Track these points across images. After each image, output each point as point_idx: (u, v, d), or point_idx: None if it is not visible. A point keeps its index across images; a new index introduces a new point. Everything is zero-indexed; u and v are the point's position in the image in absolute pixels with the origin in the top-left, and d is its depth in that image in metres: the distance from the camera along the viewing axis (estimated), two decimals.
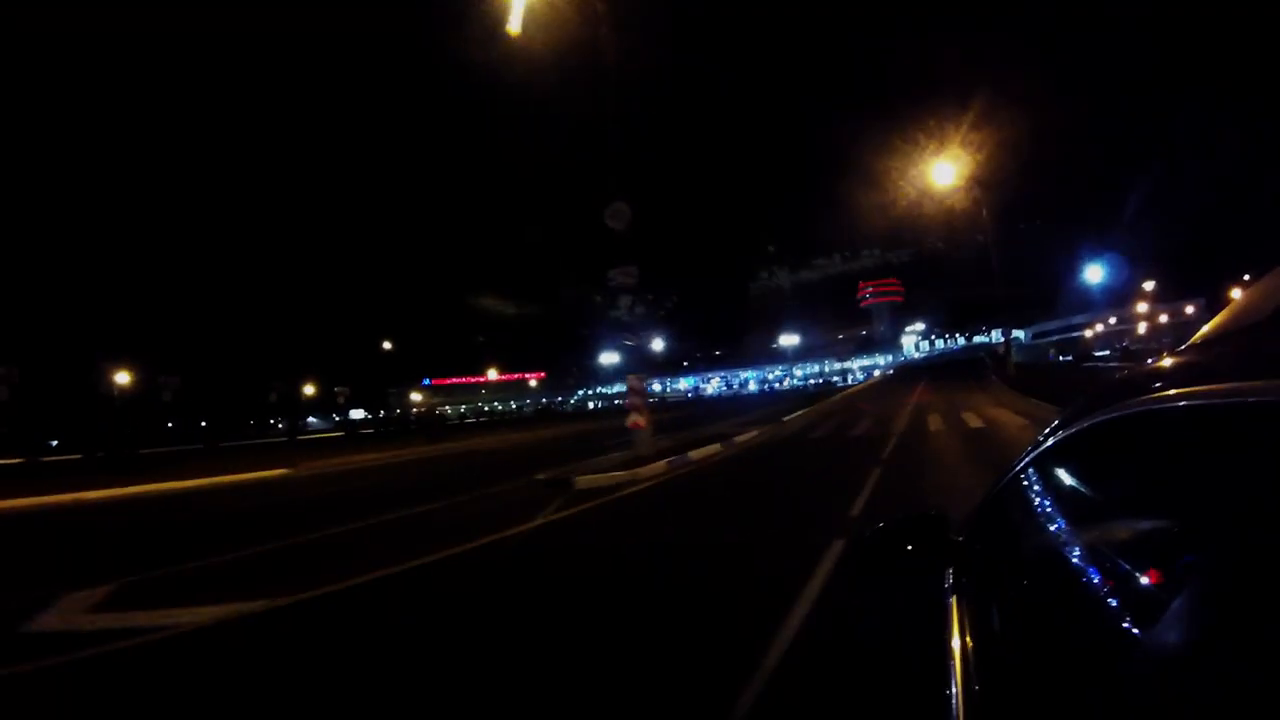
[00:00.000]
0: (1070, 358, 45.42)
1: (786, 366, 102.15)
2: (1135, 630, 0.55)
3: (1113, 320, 62.05)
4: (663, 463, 10.50)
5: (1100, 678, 0.58)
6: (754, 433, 15.29)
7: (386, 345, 79.86)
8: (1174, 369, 0.83)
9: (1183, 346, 0.93)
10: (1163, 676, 0.48)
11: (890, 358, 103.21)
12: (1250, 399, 0.55)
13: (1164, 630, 0.51)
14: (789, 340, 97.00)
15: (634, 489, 8.93)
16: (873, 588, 2.82)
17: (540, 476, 9.80)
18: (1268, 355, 0.69)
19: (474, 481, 10.71)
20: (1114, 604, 0.62)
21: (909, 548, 1.25)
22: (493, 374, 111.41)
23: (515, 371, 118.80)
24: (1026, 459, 1.13)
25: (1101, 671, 0.58)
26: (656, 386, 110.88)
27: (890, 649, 2.50)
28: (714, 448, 12.66)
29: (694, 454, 11.68)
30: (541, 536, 6.34)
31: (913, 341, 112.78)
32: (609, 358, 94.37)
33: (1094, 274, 60.10)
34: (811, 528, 5.48)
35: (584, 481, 9.42)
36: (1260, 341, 0.73)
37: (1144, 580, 0.60)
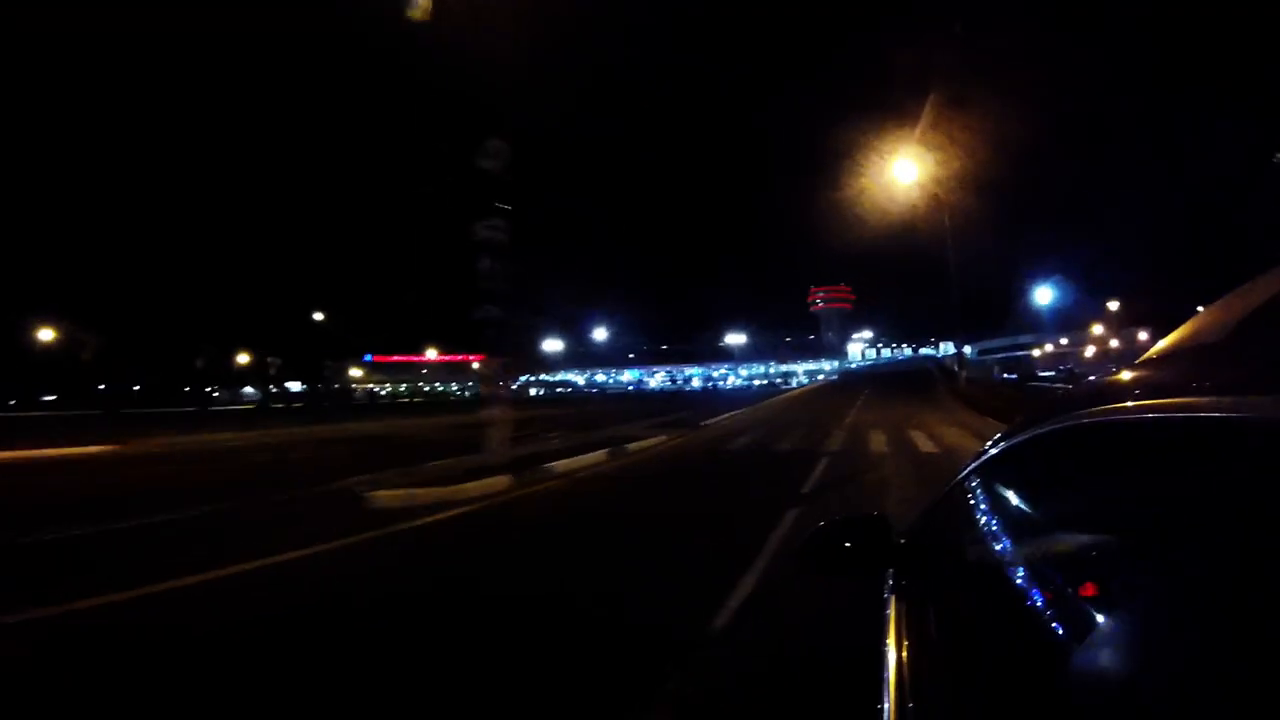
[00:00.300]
0: (1014, 376, 44.09)
1: (733, 365, 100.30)
2: (1069, 644, 0.55)
3: (1064, 341, 62.16)
4: (504, 478, 7.60)
5: (1033, 692, 0.57)
6: (662, 438, 12.59)
7: (318, 316, 75.45)
8: (1120, 385, 0.84)
9: (1135, 363, 0.92)
10: (1096, 693, 0.48)
11: (836, 363, 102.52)
12: (1194, 415, 0.55)
13: (1097, 645, 0.51)
14: (735, 339, 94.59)
15: (434, 517, 6.20)
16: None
17: (351, 481, 7.69)
18: (1220, 374, 0.67)
19: (294, 479, 8.82)
20: (1050, 616, 0.62)
21: (851, 547, 1.24)
22: (432, 353, 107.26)
23: (459, 352, 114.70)
24: (972, 466, 1.17)
25: (1034, 685, 0.57)
26: (600, 377, 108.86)
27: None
28: (597, 456, 9.82)
29: (561, 465, 8.80)
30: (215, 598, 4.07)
31: (859, 349, 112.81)
32: (551, 344, 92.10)
33: (1043, 295, 60.39)
34: (628, 657, 2.83)
35: (385, 498, 6.84)
36: (1214, 361, 0.72)
37: (1080, 593, 0.60)
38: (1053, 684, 0.53)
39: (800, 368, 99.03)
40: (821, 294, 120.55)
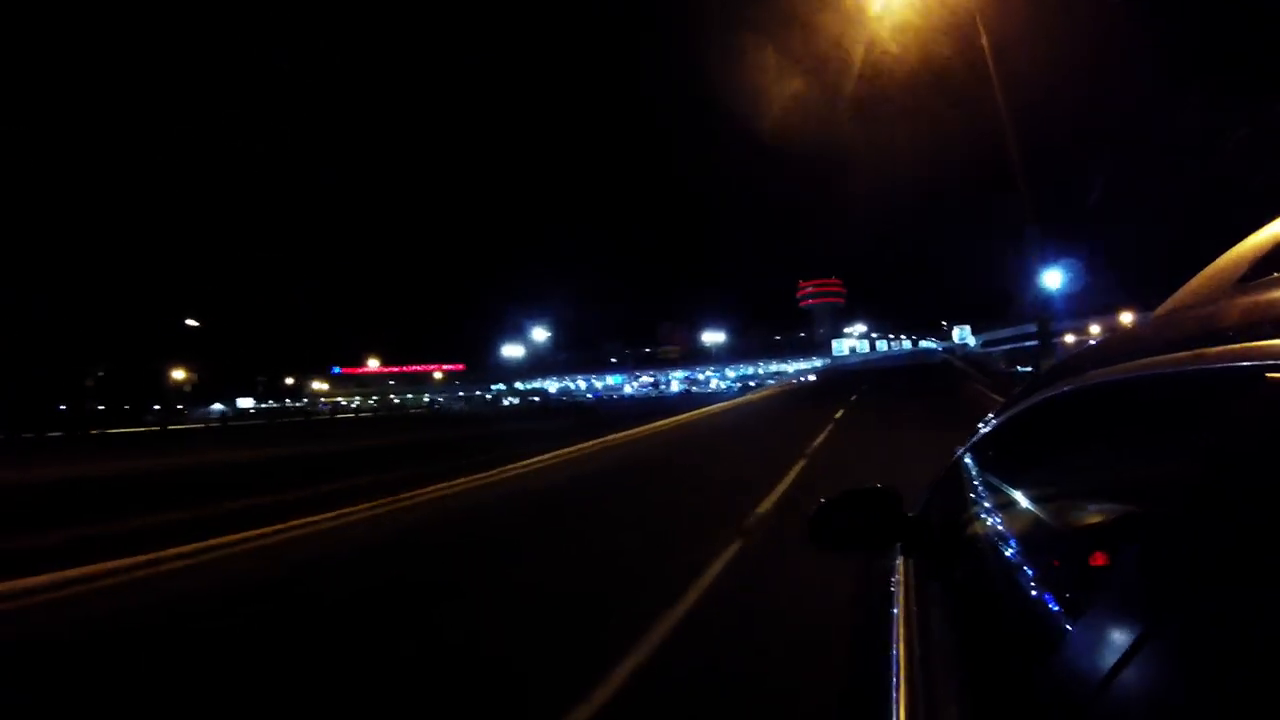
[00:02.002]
0: (1030, 369, 37.31)
1: (719, 367, 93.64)
2: (1068, 622, 0.54)
3: (1095, 329, 55.63)
4: None
5: (1039, 663, 0.56)
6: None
7: (191, 323, 69.18)
8: (1125, 343, 0.81)
9: (1139, 321, 0.89)
10: (1090, 669, 0.47)
11: (820, 361, 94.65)
12: (1203, 368, 0.53)
13: (1095, 620, 0.50)
14: (713, 339, 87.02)
15: None
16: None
17: None
18: (1226, 325, 0.63)
19: None
20: (1057, 588, 0.62)
21: (860, 522, 1.20)
22: (379, 365, 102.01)
23: (429, 362, 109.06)
24: (978, 436, 1.18)
25: (1040, 657, 0.56)
26: (582, 384, 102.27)
27: None
28: None
29: None
30: None
31: (849, 344, 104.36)
32: (512, 350, 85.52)
33: (1052, 279, 53.45)
34: None
35: None
36: (1220, 313, 0.68)
37: (1090, 563, 0.61)
38: (1058, 655, 0.52)
39: (791, 366, 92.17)
40: (811, 288, 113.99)
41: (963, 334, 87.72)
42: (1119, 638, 0.46)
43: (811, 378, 60.72)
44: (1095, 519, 0.67)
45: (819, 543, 1.20)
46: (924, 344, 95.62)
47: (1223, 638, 0.38)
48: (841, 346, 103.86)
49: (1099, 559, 0.58)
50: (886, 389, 29.39)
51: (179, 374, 69.75)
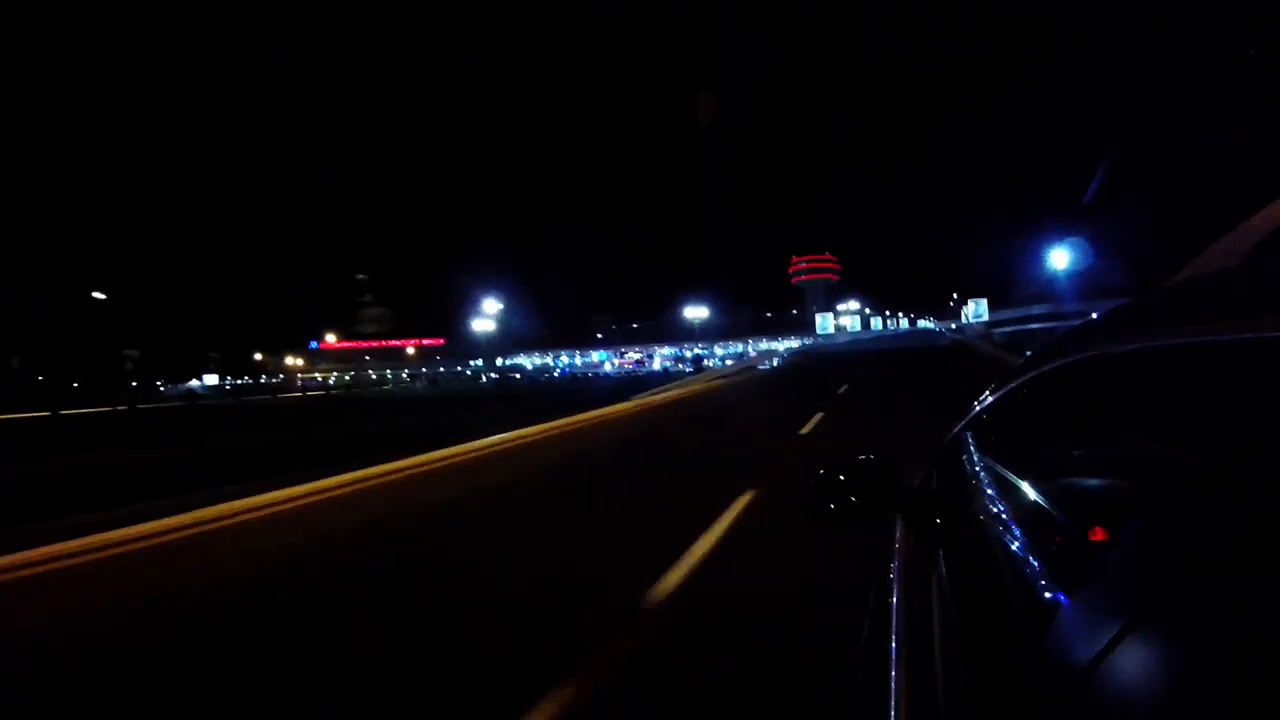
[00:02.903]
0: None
1: (707, 344, 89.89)
2: (1063, 598, 0.54)
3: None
4: None
5: (1035, 638, 0.55)
6: None
7: (98, 295, 66.13)
8: (1132, 316, 0.80)
9: (1150, 294, 0.85)
10: (1085, 642, 0.47)
11: (796, 341, 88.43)
12: (1171, 343, 0.55)
13: (1092, 594, 0.51)
14: (696, 314, 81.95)
15: None
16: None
17: None
18: (1237, 298, 0.63)
19: None
20: (1055, 564, 0.62)
21: (858, 494, 1.18)
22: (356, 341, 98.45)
23: (409, 337, 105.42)
24: (980, 407, 1.14)
25: (1037, 633, 0.55)
26: (564, 359, 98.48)
27: None
28: None
29: None
30: None
31: (836, 320, 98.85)
32: (482, 325, 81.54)
33: (1059, 259, 50.29)
34: None
35: None
36: (1230, 285, 0.69)
37: (1090, 537, 0.60)
38: (1054, 625, 0.52)
39: (781, 345, 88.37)
40: (804, 263, 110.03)
41: (979, 309, 77.99)
42: (1113, 613, 0.45)
43: (774, 363, 41.41)
44: (1096, 494, 0.66)
45: (819, 515, 1.17)
46: (923, 324, 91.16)
47: (1223, 617, 0.37)
48: (826, 323, 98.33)
49: (1098, 534, 0.58)
50: (884, 367, 24.61)
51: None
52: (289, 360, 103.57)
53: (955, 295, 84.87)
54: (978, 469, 1.01)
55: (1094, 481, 0.69)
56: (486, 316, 76.61)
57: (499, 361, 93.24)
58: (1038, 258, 53.78)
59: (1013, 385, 0.98)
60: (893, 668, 0.83)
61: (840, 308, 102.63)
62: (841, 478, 1.19)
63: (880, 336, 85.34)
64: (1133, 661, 0.40)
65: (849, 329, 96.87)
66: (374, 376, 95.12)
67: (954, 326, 78.23)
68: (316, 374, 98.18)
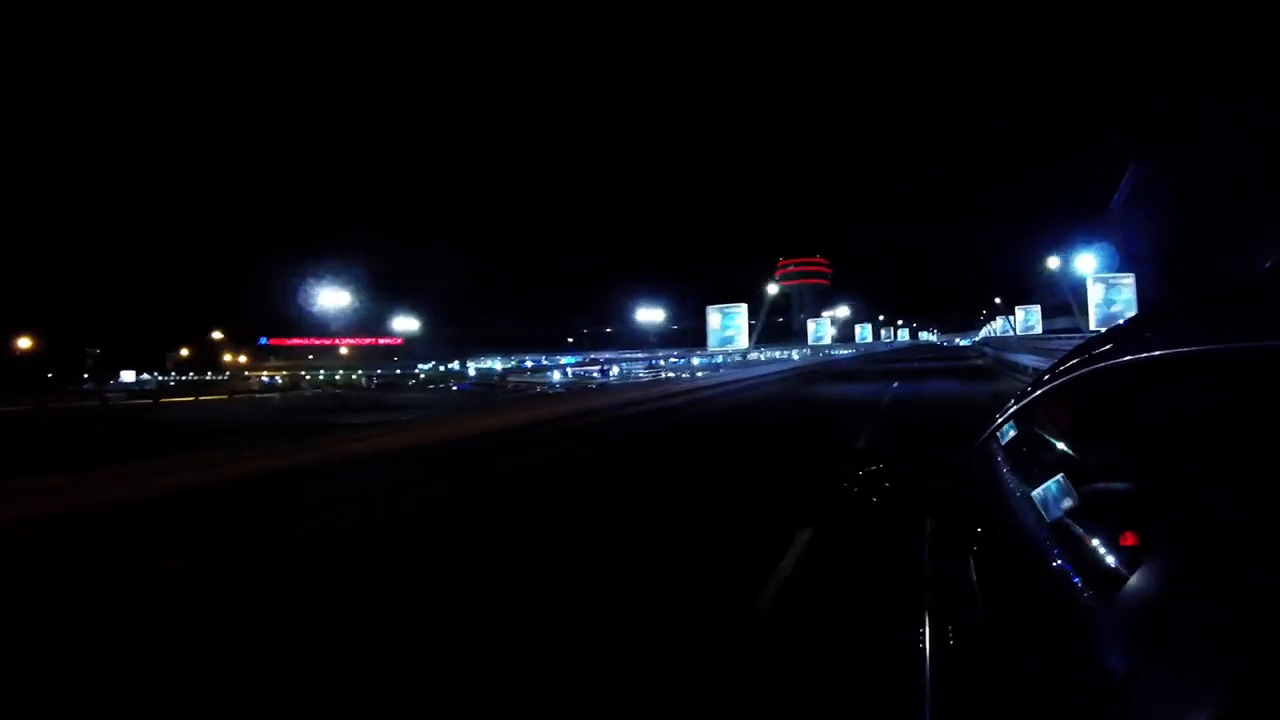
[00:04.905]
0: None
1: (685, 351, 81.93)
2: (1095, 605, 0.55)
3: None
4: None
5: (1067, 643, 0.56)
6: None
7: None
8: (1148, 324, 0.81)
9: (1184, 297, 0.86)
10: (1119, 646, 0.47)
11: (781, 353, 75.03)
12: (1197, 350, 0.56)
13: (1124, 600, 0.50)
14: (649, 317, 69.29)
15: None
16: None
17: None
18: (1253, 306, 0.64)
19: None
20: (1087, 568, 0.62)
21: (886, 502, 1.19)
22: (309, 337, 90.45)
23: (374, 335, 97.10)
24: (1008, 413, 1.13)
25: (1068, 637, 0.56)
26: (530, 363, 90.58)
27: None
28: None
29: None
30: None
31: (815, 327, 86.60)
32: (405, 324, 73.69)
33: (1085, 264, 45.13)
34: None
35: None
36: (1251, 292, 0.69)
37: (1120, 542, 0.60)
38: (1087, 630, 0.51)
39: (763, 355, 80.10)
40: (793, 266, 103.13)
41: (1029, 318, 65.46)
42: (1146, 617, 0.45)
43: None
44: (1126, 499, 0.65)
45: (852, 517, 1.15)
46: (925, 336, 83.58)
47: (1252, 619, 0.37)
48: (821, 331, 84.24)
49: (1129, 539, 0.58)
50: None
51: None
52: (227, 356, 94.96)
53: (998, 300, 73.82)
54: (1005, 473, 1.02)
55: (1123, 486, 0.68)
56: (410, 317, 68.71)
57: (454, 365, 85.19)
58: (1062, 265, 47.81)
59: (1038, 392, 0.97)
60: (926, 668, 0.83)
61: (827, 314, 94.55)
62: (873, 483, 1.18)
63: (896, 350, 73.50)
64: (1165, 665, 0.39)
65: (824, 340, 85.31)
66: (341, 375, 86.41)
67: (976, 339, 68.19)
68: (265, 373, 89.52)
